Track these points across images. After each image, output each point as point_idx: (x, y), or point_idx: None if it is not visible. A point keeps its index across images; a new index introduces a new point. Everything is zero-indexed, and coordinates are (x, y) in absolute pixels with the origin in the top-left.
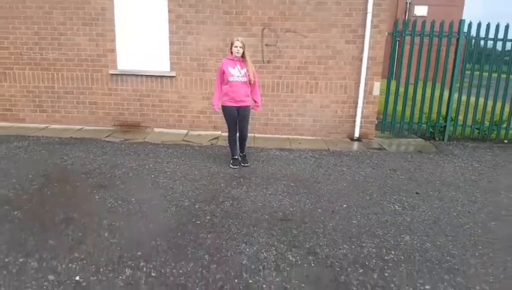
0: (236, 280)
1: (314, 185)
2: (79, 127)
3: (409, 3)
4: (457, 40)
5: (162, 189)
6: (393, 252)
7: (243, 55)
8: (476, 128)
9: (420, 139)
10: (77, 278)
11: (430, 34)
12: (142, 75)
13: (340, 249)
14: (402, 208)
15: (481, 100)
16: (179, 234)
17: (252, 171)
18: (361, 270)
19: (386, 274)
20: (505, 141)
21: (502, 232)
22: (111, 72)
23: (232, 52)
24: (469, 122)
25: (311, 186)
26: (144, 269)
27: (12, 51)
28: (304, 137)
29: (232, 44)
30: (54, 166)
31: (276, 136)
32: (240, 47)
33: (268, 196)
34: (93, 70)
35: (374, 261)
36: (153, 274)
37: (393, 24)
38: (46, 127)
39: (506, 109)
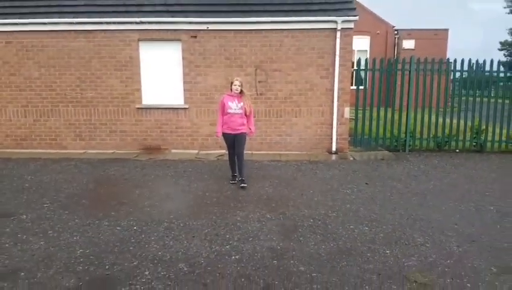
0: (232, 226)
1: (292, 181)
2: (111, 151)
3: (397, 38)
4: (409, 73)
5: (181, 186)
6: (335, 213)
7: (241, 92)
8: (433, 141)
9: (386, 151)
10: (134, 227)
11: (394, 70)
12: (162, 108)
13: (301, 212)
14: (351, 191)
15: (440, 119)
16: (196, 207)
17: (247, 174)
18: (312, 221)
19: (327, 222)
20: (457, 151)
21: (416, 201)
22: (137, 106)
23: (231, 90)
24: (426, 136)
25: (290, 182)
26: (175, 222)
27: (59, 92)
28: (291, 152)
29: (231, 83)
30: (100, 175)
31: (270, 152)
32: (238, 85)
33: (258, 188)
34: (123, 105)
35: (322, 217)
36: (181, 225)
37: (386, 61)
38: (85, 152)
39: (459, 123)
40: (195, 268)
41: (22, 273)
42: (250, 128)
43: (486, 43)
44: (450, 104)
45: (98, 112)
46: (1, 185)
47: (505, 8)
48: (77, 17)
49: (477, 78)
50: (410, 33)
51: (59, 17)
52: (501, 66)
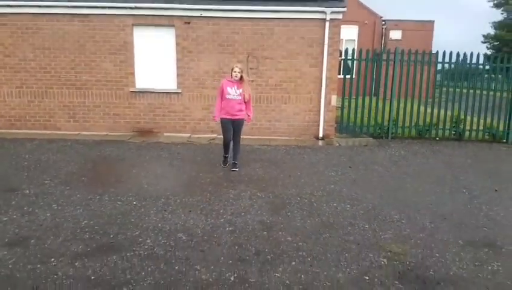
0: (225, 203)
1: (281, 164)
2: (104, 133)
3: (385, 28)
4: (394, 63)
5: (176, 167)
6: (320, 193)
7: (241, 78)
8: (415, 129)
9: (370, 138)
10: (134, 202)
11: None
12: (155, 92)
13: (289, 191)
14: (336, 173)
15: (421, 108)
16: (190, 186)
17: (239, 157)
18: (298, 199)
19: (313, 200)
20: (437, 139)
21: (395, 184)
22: (131, 90)
23: (231, 76)
24: (408, 124)
25: (279, 164)
26: (171, 198)
27: (53, 74)
28: (280, 137)
29: (232, 69)
30: (97, 156)
31: (260, 137)
32: (238, 72)
33: (249, 170)
34: (116, 88)
35: (308, 196)
36: (177, 201)
37: (372, 51)
38: (79, 133)
39: (440, 113)
40: (193, 237)
41: (32, 241)
42: (248, 115)
43: (471, 36)
44: (432, 94)
45: (92, 94)
46: (2, 163)
47: (488, 1)
48: (73, 1)
49: (459, 70)
50: (397, 24)
51: (54, 0)
52: (483, 59)
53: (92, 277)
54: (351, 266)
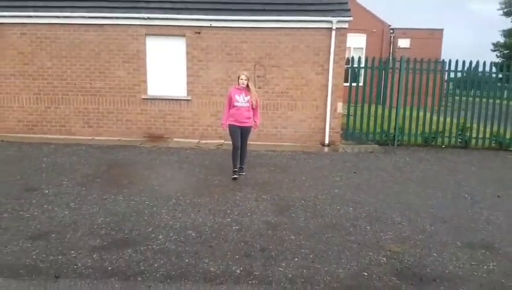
0: (232, 204)
1: (287, 168)
2: (117, 138)
3: (393, 37)
4: (400, 72)
5: (185, 169)
6: (324, 196)
7: (247, 86)
8: (421, 136)
9: (375, 145)
10: (146, 202)
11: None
12: (166, 99)
13: (294, 194)
14: (340, 179)
15: (427, 115)
16: (199, 188)
17: (246, 161)
18: (303, 201)
19: (316, 203)
20: (443, 146)
21: (398, 189)
22: (143, 97)
23: (238, 83)
24: (414, 131)
25: (284, 169)
26: (182, 199)
27: (69, 81)
28: (286, 144)
29: (238, 77)
30: (110, 159)
31: (266, 143)
32: (245, 79)
33: (255, 173)
34: (129, 95)
35: (312, 199)
36: (187, 201)
37: (378, 60)
38: (93, 138)
39: (447, 121)
40: (202, 234)
41: (53, 235)
42: (255, 121)
43: (481, 44)
44: (441, 102)
45: (105, 101)
46: (21, 165)
47: (498, 10)
48: (89, 12)
49: (467, 79)
50: (405, 32)
51: (71, 11)
52: (493, 68)
53: (109, 268)
54: (351, 263)
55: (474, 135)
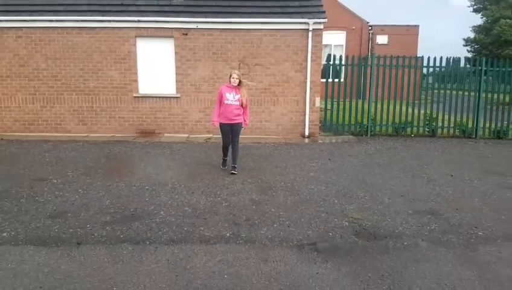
0: (222, 187)
1: (269, 158)
2: (111, 134)
3: (371, 33)
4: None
5: (178, 160)
6: (301, 179)
7: (239, 84)
8: (392, 127)
9: (351, 136)
10: (146, 187)
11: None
12: (156, 97)
13: (275, 178)
14: (316, 164)
15: (397, 107)
16: (191, 175)
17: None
18: (283, 183)
19: (294, 184)
20: (412, 135)
21: (366, 171)
22: (134, 95)
23: (230, 81)
24: (386, 122)
25: (267, 158)
26: (177, 184)
27: (64, 81)
28: (270, 136)
29: (230, 75)
30: (107, 153)
31: (251, 136)
32: (236, 78)
33: (241, 162)
34: (121, 94)
35: (290, 181)
36: (182, 186)
37: (351, 57)
38: (88, 135)
39: (415, 112)
40: (197, 210)
41: (69, 214)
42: (245, 120)
43: (455, 39)
44: (412, 96)
45: (99, 99)
46: (26, 160)
47: (468, 6)
48: (81, 15)
49: (445, 73)
50: (383, 29)
51: (65, 15)
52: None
53: (121, 236)
54: (319, 226)
55: (440, 125)
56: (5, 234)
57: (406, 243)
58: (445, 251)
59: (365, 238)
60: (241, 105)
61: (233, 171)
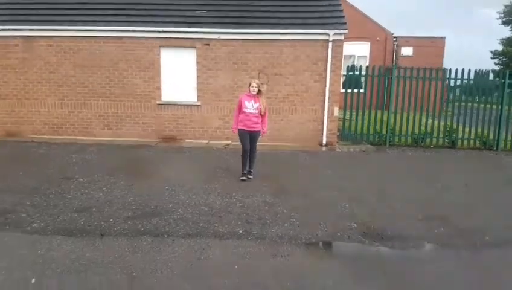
0: (237, 189)
1: (285, 164)
2: (135, 139)
3: (396, 45)
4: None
5: (197, 164)
6: (314, 184)
7: (258, 93)
8: (411, 137)
9: (369, 145)
10: (166, 187)
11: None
12: (178, 104)
13: (289, 182)
14: (331, 171)
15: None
16: (208, 178)
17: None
18: (297, 188)
19: (307, 189)
20: (431, 146)
21: (377, 179)
22: (157, 102)
23: (249, 90)
24: (404, 133)
25: (283, 165)
26: (195, 185)
27: (91, 88)
28: (288, 144)
29: (249, 84)
30: (131, 156)
31: (269, 143)
32: (255, 87)
33: (258, 167)
34: (145, 101)
35: (303, 186)
36: (199, 187)
37: (371, 68)
38: (112, 139)
39: (434, 123)
40: (213, 209)
41: (94, 209)
42: (262, 128)
43: (482, 52)
44: (439, 107)
45: (124, 106)
46: (54, 160)
47: (497, 19)
48: (108, 25)
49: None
50: (408, 40)
51: (93, 25)
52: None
53: (142, 229)
54: (328, 227)
55: (460, 136)
56: (35, 224)
57: (411, 245)
58: (451, 253)
59: (372, 239)
60: (260, 113)
61: (249, 176)
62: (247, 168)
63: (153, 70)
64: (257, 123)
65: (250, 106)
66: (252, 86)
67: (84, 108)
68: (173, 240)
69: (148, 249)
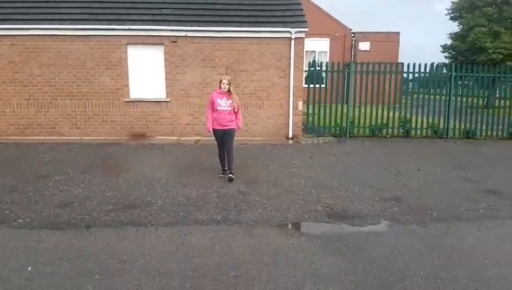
0: (211, 181)
1: (255, 157)
2: (104, 137)
3: (354, 40)
4: (349, 74)
5: (170, 160)
6: (283, 174)
7: (229, 90)
8: (369, 129)
9: (331, 137)
10: (143, 182)
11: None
12: (147, 101)
13: (260, 173)
14: (298, 162)
15: (375, 111)
16: (183, 172)
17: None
18: (267, 178)
19: (277, 178)
20: (388, 136)
21: (341, 167)
22: (126, 99)
23: (220, 87)
24: (363, 124)
25: (253, 157)
26: (170, 179)
27: (58, 87)
28: (256, 138)
29: (220, 81)
30: (102, 153)
31: (238, 138)
32: (227, 84)
33: None
34: (113, 98)
35: (274, 176)
36: (175, 180)
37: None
38: (81, 138)
39: (390, 115)
40: (190, 199)
41: (75, 204)
42: (237, 124)
43: (434, 45)
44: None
45: (91, 104)
46: (26, 160)
47: (446, 15)
48: (75, 24)
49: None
50: (365, 36)
51: (59, 24)
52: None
53: (125, 220)
54: (297, 211)
55: (413, 126)
56: (20, 220)
57: (369, 222)
58: (403, 227)
59: (335, 219)
60: (233, 110)
61: (231, 176)
62: (227, 170)
63: (120, 68)
64: (231, 121)
65: (224, 104)
66: (223, 83)
67: (52, 107)
68: (156, 228)
69: (134, 237)
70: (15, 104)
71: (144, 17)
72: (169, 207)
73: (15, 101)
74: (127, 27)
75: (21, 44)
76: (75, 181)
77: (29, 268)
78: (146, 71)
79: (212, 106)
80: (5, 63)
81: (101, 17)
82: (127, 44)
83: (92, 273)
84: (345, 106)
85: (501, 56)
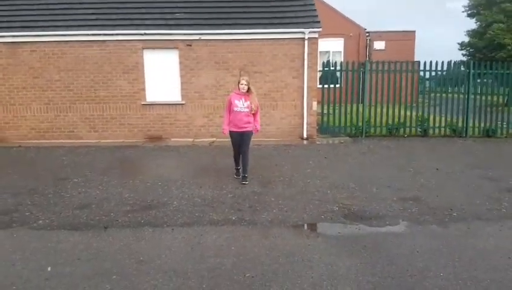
0: (226, 182)
1: (269, 157)
2: (121, 140)
3: (369, 40)
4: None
5: (185, 161)
6: (298, 174)
7: (248, 90)
8: (385, 128)
9: (347, 137)
10: (159, 183)
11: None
12: (162, 104)
13: (274, 174)
14: (313, 162)
15: (391, 110)
16: (198, 173)
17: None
18: (281, 178)
19: (292, 179)
20: (405, 136)
21: (358, 167)
22: (142, 103)
23: (238, 88)
24: (379, 124)
25: (267, 157)
26: (186, 180)
27: (76, 91)
28: (270, 139)
29: (239, 82)
30: (120, 156)
31: (252, 139)
32: (245, 84)
33: None
34: (130, 102)
35: (288, 176)
36: (191, 182)
37: (345, 63)
38: (99, 141)
39: (407, 114)
40: (206, 200)
41: (93, 205)
42: (255, 126)
43: (451, 43)
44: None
45: (109, 108)
46: (46, 163)
47: (463, 12)
48: (91, 30)
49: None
50: (380, 35)
51: (76, 30)
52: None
53: (142, 221)
54: (313, 211)
55: (431, 125)
56: (40, 221)
57: (388, 222)
58: (422, 227)
59: (352, 219)
60: (251, 112)
61: (244, 182)
62: (242, 173)
63: (136, 72)
64: (248, 122)
65: (241, 105)
66: (242, 84)
67: (70, 111)
68: (172, 229)
69: (151, 237)
70: (35, 109)
71: (158, 22)
72: (185, 208)
73: (35, 106)
74: (142, 32)
75: (40, 50)
76: (93, 183)
77: (49, 268)
78: (161, 74)
79: (230, 107)
80: (25, 69)
81: (116, 22)
82: (142, 48)
83: (110, 273)
84: (360, 106)
85: None
